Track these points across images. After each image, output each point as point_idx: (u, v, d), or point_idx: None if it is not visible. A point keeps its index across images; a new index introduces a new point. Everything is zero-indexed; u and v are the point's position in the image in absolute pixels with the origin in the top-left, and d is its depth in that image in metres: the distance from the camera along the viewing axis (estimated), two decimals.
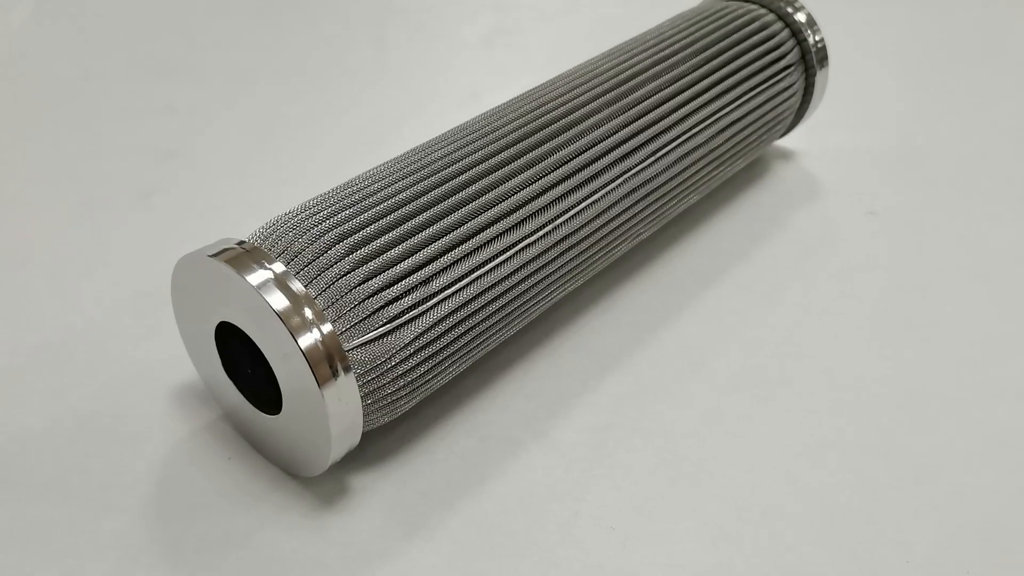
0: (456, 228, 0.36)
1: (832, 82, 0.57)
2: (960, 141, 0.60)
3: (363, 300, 0.33)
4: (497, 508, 0.36)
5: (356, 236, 0.34)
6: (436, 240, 0.35)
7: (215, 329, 0.35)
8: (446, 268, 0.35)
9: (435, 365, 0.35)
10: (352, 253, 0.33)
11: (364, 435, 0.35)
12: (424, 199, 0.36)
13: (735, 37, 0.49)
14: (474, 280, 0.36)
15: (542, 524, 0.35)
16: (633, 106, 0.43)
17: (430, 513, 0.35)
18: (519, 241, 0.37)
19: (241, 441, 0.38)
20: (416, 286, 0.34)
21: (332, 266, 0.33)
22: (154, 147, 0.56)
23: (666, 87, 0.45)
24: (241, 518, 0.35)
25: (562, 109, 0.42)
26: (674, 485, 0.37)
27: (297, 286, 0.32)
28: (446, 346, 0.35)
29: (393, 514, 0.35)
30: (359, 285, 0.33)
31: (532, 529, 0.35)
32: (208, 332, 0.35)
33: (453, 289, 0.35)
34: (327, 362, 0.31)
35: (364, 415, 0.34)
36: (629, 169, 0.42)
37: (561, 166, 0.40)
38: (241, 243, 0.34)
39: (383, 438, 0.38)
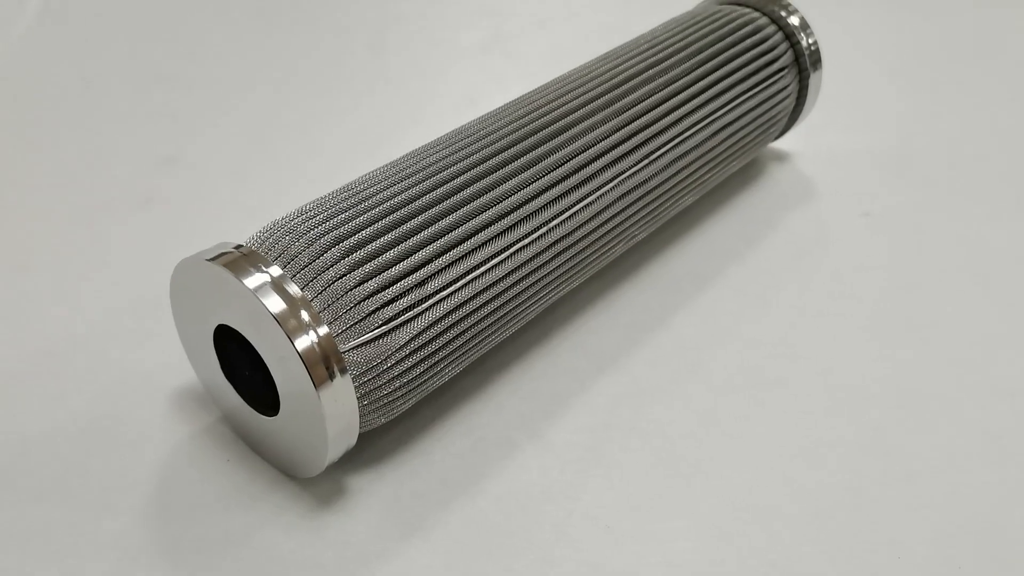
0: (451, 231, 0.36)
1: (827, 84, 0.57)
2: (955, 142, 0.60)
3: (359, 302, 0.33)
4: (493, 508, 0.36)
5: (352, 239, 0.34)
6: (431, 243, 0.35)
7: (213, 332, 0.35)
8: (441, 270, 0.35)
9: (431, 366, 0.36)
10: (348, 256, 0.34)
11: (361, 436, 0.36)
12: (419, 202, 0.36)
13: (729, 40, 0.50)
14: (469, 282, 0.36)
15: (538, 524, 0.35)
16: (627, 109, 0.44)
17: (427, 513, 0.36)
18: (514, 244, 0.38)
19: (240, 443, 0.38)
20: (411, 288, 0.34)
21: (328, 269, 0.33)
22: (154, 153, 0.57)
23: (660, 90, 0.45)
24: (240, 519, 0.35)
25: (557, 112, 0.42)
26: (670, 485, 0.37)
27: (294, 289, 0.32)
28: (441, 347, 0.36)
29: (390, 514, 0.35)
30: (355, 288, 0.33)
31: (528, 529, 0.35)
32: (207, 335, 0.36)
33: (448, 291, 0.35)
34: (323, 364, 0.32)
35: (361, 416, 0.34)
36: (624, 172, 0.42)
37: (555, 169, 0.40)
38: (239, 247, 0.34)
39: (380, 439, 0.38)
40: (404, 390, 0.35)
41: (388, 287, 0.34)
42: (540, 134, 0.41)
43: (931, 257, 0.50)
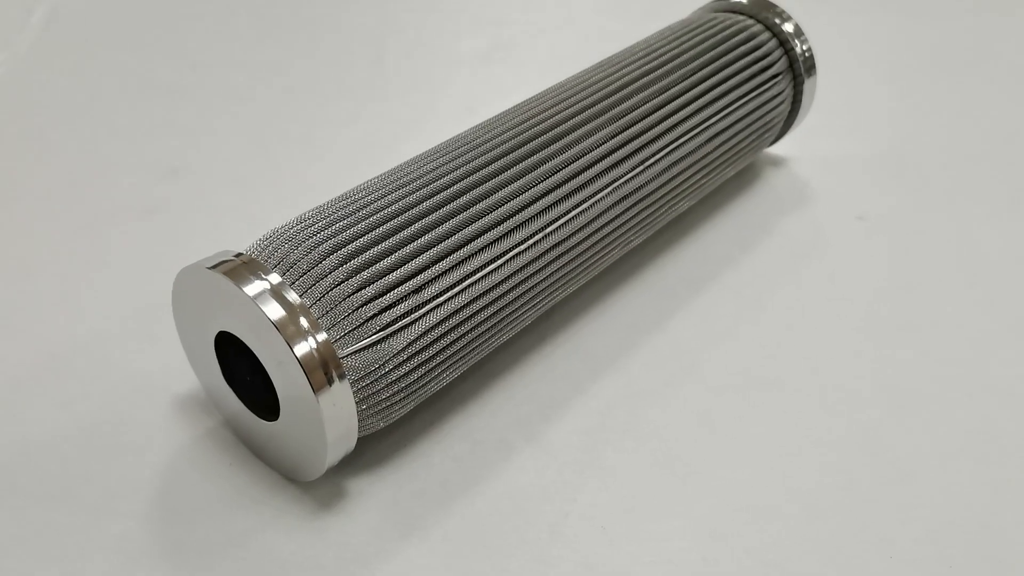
0: (447, 237, 0.37)
1: (823, 89, 0.58)
2: (948, 146, 0.61)
3: (357, 308, 0.34)
4: (490, 509, 0.36)
5: (350, 247, 0.35)
6: (428, 249, 0.36)
7: (215, 338, 0.36)
8: (438, 276, 0.36)
9: (428, 371, 0.36)
10: (346, 263, 0.34)
11: (360, 440, 0.36)
12: (416, 210, 0.37)
13: (723, 47, 0.50)
14: (465, 288, 0.37)
15: (534, 524, 0.36)
16: (622, 116, 0.44)
17: (425, 515, 0.36)
18: (509, 250, 0.38)
19: (241, 447, 0.39)
20: (408, 294, 0.35)
21: (326, 276, 0.34)
22: (157, 163, 0.58)
23: (655, 97, 0.46)
24: (241, 521, 0.36)
25: (552, 120, 0.43)
26: (665, 485, 0.38)
27: (293, 296, 0.33)
28: (439, 352, 0.36)
29: (389, 516, 0.36)
30: (353, 294, 0.34)
31: (524, 529, 0.36)
32: (208, 341, 0.36)
33: (445, 297, 0.36)
34: (322, 369, 0.32)
35: (359, 420, 0.35)
36: (619, 178, 0.43)
37: (550, 176, 0.41)
38: (239, 255, 0.35)
39: (379, 443, 0.39)
40: (402, 394, 0.36)
41: (385, 293, 0.34)
42: (535, 142, 0.41)
43: (925, 259, 0.51)
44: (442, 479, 0.38)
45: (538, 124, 0.43)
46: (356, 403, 0.34)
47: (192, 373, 0.40)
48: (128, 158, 0.58)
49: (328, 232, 0.35)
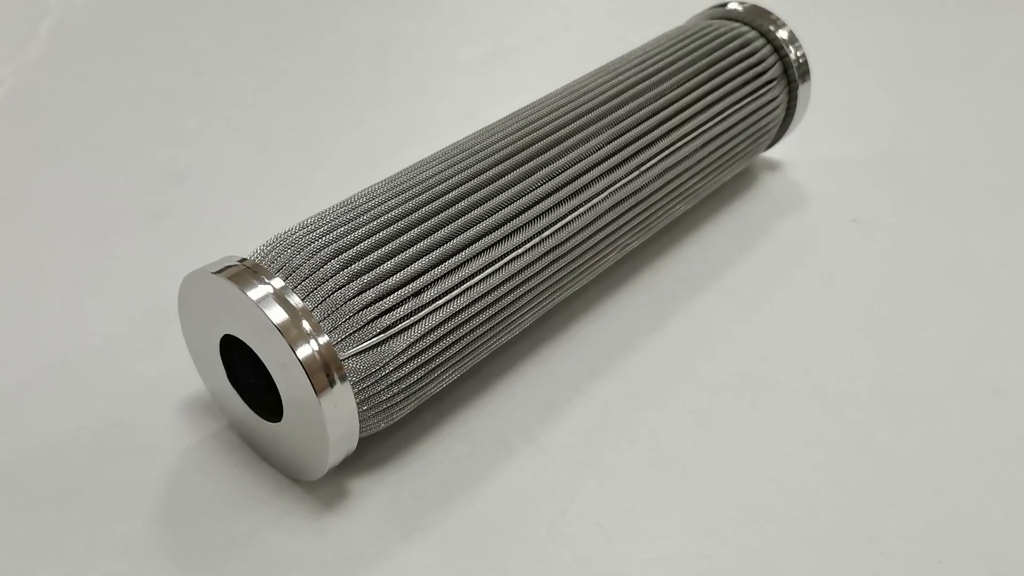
0: (446, 242, 0.38)
1: (820, 94, 0.59)
2: (943, 150, 0.61)
3: (357, 311, 0.34)
4: (489, 508, 0.37)
5: (350, 251, 0.36)
6: (427, 253, 0.37)
7: (219, 342, 0.37)
8: (437, 280, 0.37)
9: (428, 372, 0.37)
10: (347, 267, 0.35)
11: (361, 441, 0.37)
12: (415, 215, 0.38)
13: (718, 54, 0.51)
14: (464, 291, 0.37)
15: (532, 523, 0.37)
16: (619, 122, 0.45)
17: (425, 514, 0.37)
18: (506, 254, 0.39)
19: (246, 449, 0.40)
20: (408, 298, 0.36)
21: (328, 280, 0.35)
22: (162, 170, 0.59)
23: (651, 103, 0.47)
24: (246, 521, 0.36)
25: (550, 127, 0.44)
26: (661, 485, 0.38)
27: (295, 300, 0.34)
28: (438, 355, 0.37)
29: (390, 515, 0.37)
30: (354, 297, 0.35)
31: (522, 528, 0.36)
32: (213, 345, 0.37)
33: (444, 300, 0.37)
34: (324, 371, 0.33)
35: (361, 421, 0.35)
36: (615, 182, 0.44)
37: (548, 181, 0.41)
38: (243, 260, 0.36)
39: (380, 444, 0.40)
40: (402, 396, 0.36)
41: (386, 296, 0.35)
42: (532, 148, 0.42)
43: (920, 261, 0.51)
44: (442, 479, 0.38)
45: (536, 130, 0.43)
46: (357, 404, 0.35)
47: (197, 377, 0.41)
48: (134, 165, 0.59)
49: (329, 237, 0.36)
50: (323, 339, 0.33)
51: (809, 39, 0.54)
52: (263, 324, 0.33)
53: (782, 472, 0.39)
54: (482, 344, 0.40)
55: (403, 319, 0.35)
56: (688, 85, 0.49)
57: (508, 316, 0.40)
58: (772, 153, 0.60)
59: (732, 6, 0.55)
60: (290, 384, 0.34)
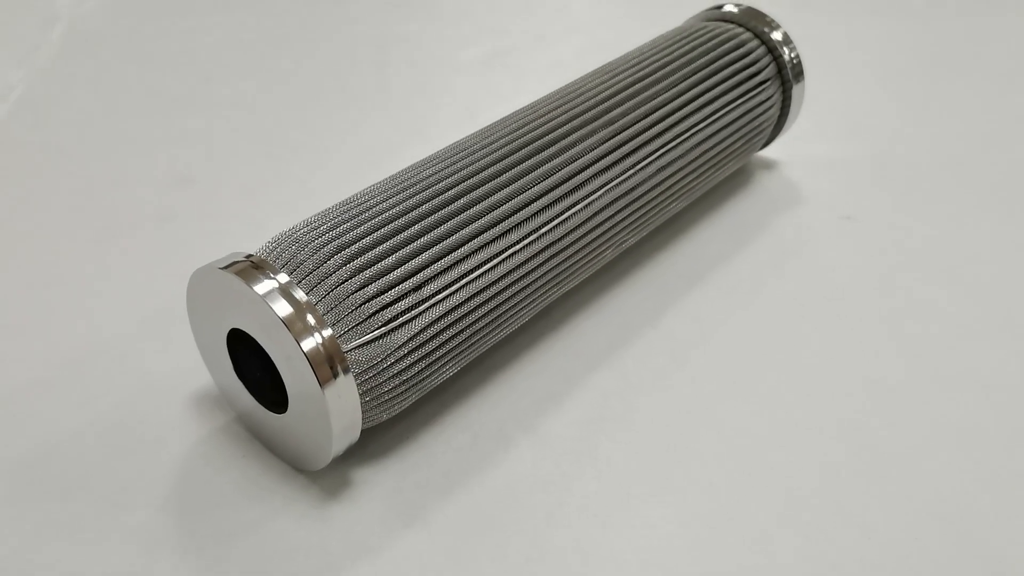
0: (446, 237, 0.39)
1: (815, 94, 0.60)
2: (934, 148, 0.62)
3: (360, 305, 0.35)
4: (489, 498, 0.38)
5: (353, 247, 0.37)
6: (427, 249, 0.38)
7: (227, 336, 0.38)
8: (437, 275, 0.38)
9: (429, 365, 0.38)
10: (350, 263, 0.36)
11: (364, 432, 0.38)
12: (416, 212, 0.39)
13: (713, 55, 0.52)
14: (464, 286, 0.38)
15: (530, 512, 0.38)
16: (615, 121, 0.46)
17: (427, 503, 0.38)
18: (505, 249, 0.40)
19: (253, 440, 0.41)
20: (409, 292, 0.37)
21: (331, 275, 0.36)
22: (170, 174, 0.60)
23: (647, 103, 0.48)
24: (253, 510, 0.37)
25: (548, 126, 0.45)
26: (656, 474, 0.39)
27: (300, 294, 0.35)
28: (439, 347, 0.38)
29: (393, 504, 0.38)
30: (356, 291, 0.36)
31: (521, 517, 0.37)
32: (220, 339, 0.38)
33: (444, 294, 0.38)
34: (328, 364, 0.34)
35: (363, 412, 0.36)
36: (611, 180, 0.45)
37: (546, 178, 0.42)
38: (249, 256, 0.37)
39: (383, 435, 0.41)
40: (404, 387, 0.37)
41: (388, 291, 0.36)
42: (531, 146, 0.43)
43: (911, 258, 0.52)
44: (443, 469, 0.39)
45: (534, 130, 0.45)
46: (360, 395, 0.36)
47: (205, 373, 0.42)
48: (141, 168, 0.60)
49: (333, 234, 0.37)
50: (327, 332, 0.34)
51: (806, 39, 0.55)
52: (269, 318, 0.34)
53: (775, 462, 0.40)
54: (481, 338, 0.41)
55: (404, 313, 0.36)
56: (683, 85, 0.50)
57: (507, 310, 0.41)
58: (768, 152, 0.61)
59: (728, 8, 0.56)
60: (295, 376, 0.35)
